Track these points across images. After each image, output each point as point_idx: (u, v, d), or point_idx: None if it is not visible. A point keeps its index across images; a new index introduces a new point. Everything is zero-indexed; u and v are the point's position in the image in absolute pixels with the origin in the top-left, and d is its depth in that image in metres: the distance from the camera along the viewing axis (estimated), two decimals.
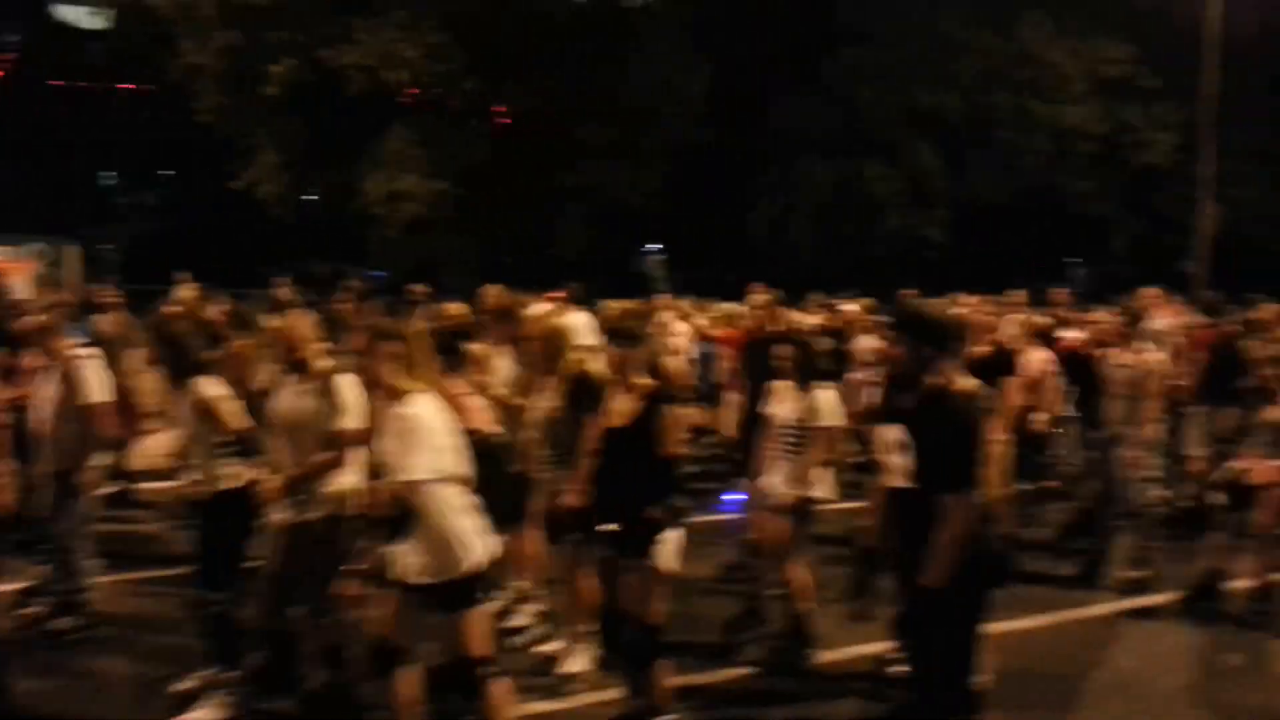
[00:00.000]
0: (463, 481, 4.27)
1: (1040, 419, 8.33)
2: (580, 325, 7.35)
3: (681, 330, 11.93)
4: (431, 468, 4.13)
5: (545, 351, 6.00)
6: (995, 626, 5.13)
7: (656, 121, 26.36)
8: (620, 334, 5.19)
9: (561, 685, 5.47)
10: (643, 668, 4.86)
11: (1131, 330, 8.08)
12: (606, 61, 25.99)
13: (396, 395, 4.21)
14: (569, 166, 25.97)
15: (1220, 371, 8.87)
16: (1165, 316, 10.60)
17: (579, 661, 5.61)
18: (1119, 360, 7.65)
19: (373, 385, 4.46)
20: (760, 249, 27.74)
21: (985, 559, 4.08)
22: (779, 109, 27.45)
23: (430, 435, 4.15)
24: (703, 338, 12.24)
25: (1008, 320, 9.17)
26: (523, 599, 6.28)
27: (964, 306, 10.87)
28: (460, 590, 4.26)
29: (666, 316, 12.04)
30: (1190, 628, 6.68)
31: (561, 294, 10.43)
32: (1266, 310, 10.15)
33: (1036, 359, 8.49)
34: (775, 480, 5.97)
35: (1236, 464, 6.90)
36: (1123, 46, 30.47)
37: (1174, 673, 6.00)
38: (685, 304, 13.45)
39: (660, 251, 31.35)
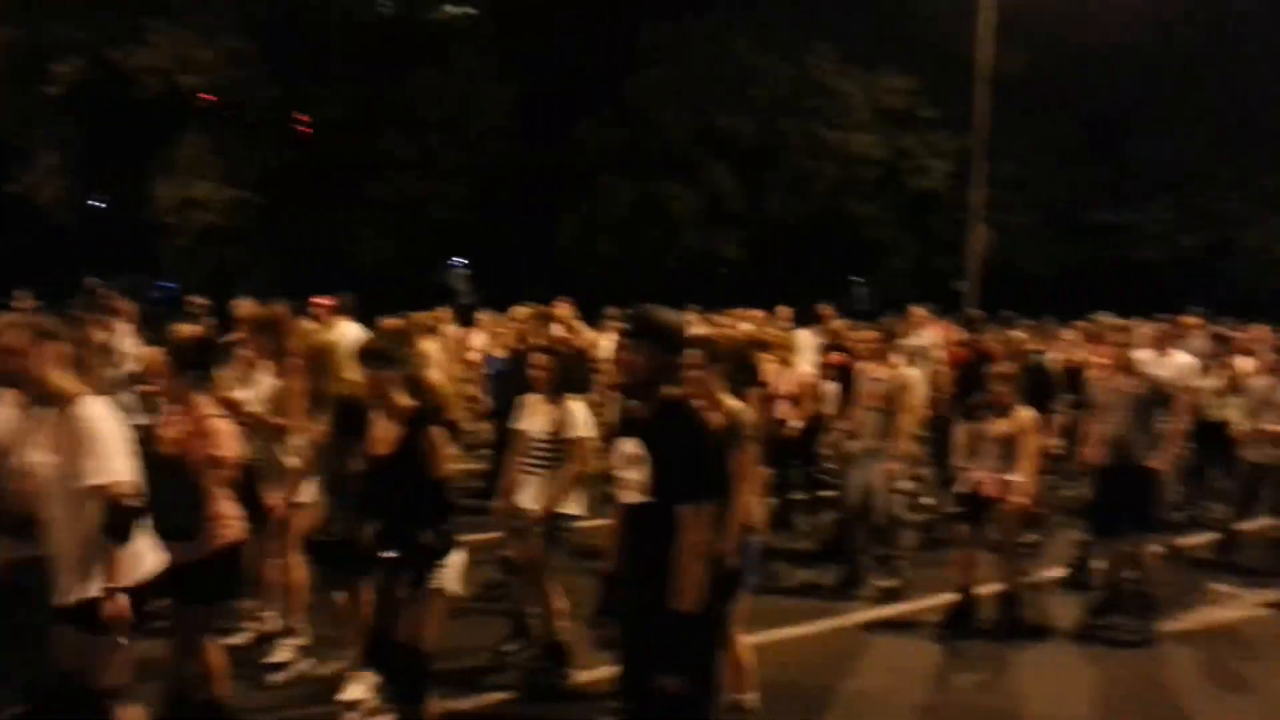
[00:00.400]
0: (133, 492, 3.95)
1: (793, 430, 8.59)
2: (353, 340, 6.86)
3: (478, 345, 11.81)
4: (105, 473, 3.85)
5: (310, 369, 5.73)
6: (756, 638, 5.47)
7: (461, 135, 26.52)
8: (374, 355, 4.89)
9: (340, 713, 5.28)
10: (414, 697, 4.68)
11: (888, 346, 8.34)
12: (411, 73, 25.99)
13: (65, 398, 3.89)
14: (372, 177, 25.82)
15: (977, 385, 9.42)
16: (930, 333, 11.50)
17: (356, 689, 5.37)
18: (874, 374, 7.77)
19: (34, 388, 3.99)
20: (565, 264, 28.19)
21: (722, 575, 3.98)
22: (583, 126, 27.97)
23: (105, 440, 3.88)
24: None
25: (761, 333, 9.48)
26: (282, 631, 5.97)
27: (749, 321, 11.46)
28: (97, 609, 3.87)
29: (453, 331, 11.90)
30: (940, 637, 6.79)
31: (327, 302, 9.92)
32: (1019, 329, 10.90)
33: (800, 372, 8.92)
34: (526, 497, 5.86)
35: (971, 477, 6.97)
36: (903, 78, 32.49)
37: (923, 683, 6.10)
38: (487, 317, 13.23)
39: (465, 265, 31.42)
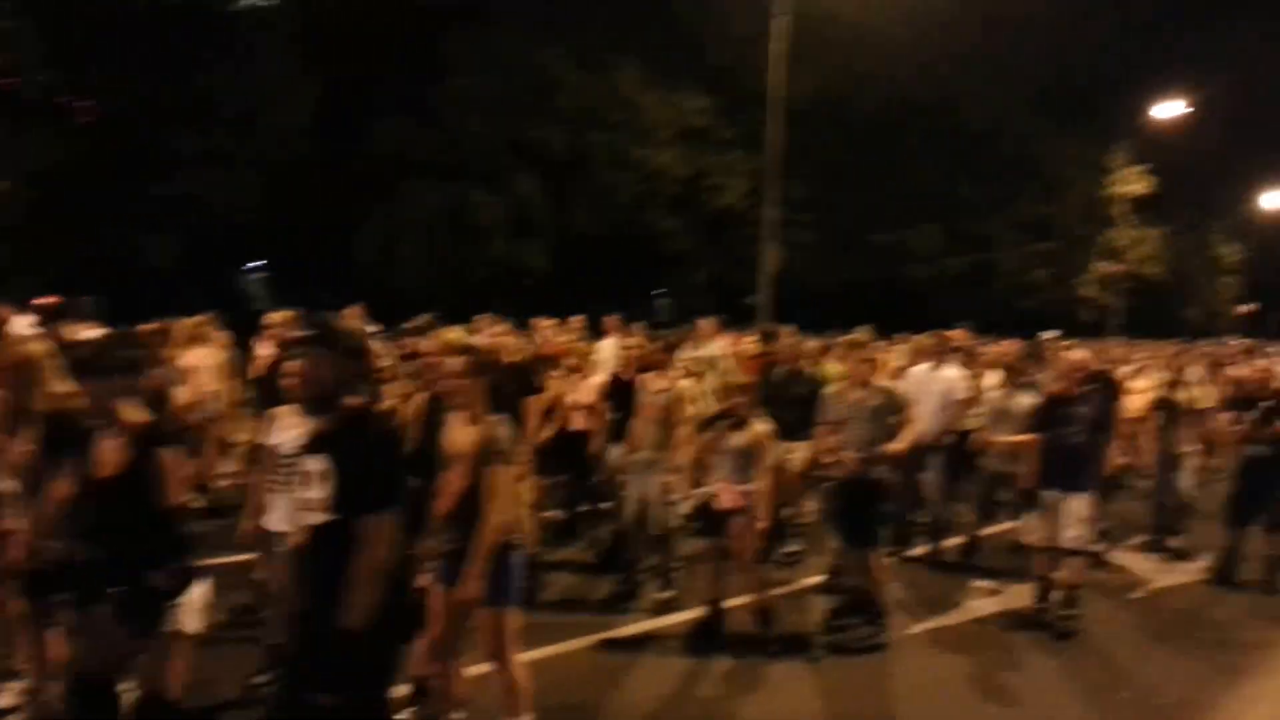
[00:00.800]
0: None
1: (597, 444, 8.48)
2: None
3: (264, 354, 10.98)
4: None
5: (16, 383, 5.01)
6: (533, 655, 5.47)
7: (258, 132, 25.39)
8: (90, 365, 4.28)
9: None
10: None
11: (668, 357, 8.42)
12: (204, 65, 24.68)
13: None
14: (160, 174, 24.35)
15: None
16: (719, 344, 11.83)
17: None
18: (654, 386, 7.76)
19: None
20: (367, 271, 27.48)
21: (401, 603, 3.86)
22: (387, 131, 27.37)
23: None
24: None
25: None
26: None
27: (547, 330, 11.40)
28: None
29: (220, 338, 10.58)
30: (704, 648, 6.69)
31: (50, 301, 8.97)
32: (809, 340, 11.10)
33: (592, 383, 8.85)
34: (276, 518, 5.13)
35: (707, 488, 6.85)
36: (702, 98, 33.59)
37: (690, 694, 6.08)
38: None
39: (263, 269, 30.12)
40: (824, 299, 33.73)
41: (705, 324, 12.15)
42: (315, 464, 3.78)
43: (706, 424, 7.16)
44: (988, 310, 38.23)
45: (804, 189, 35.03)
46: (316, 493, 3.75)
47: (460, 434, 4.70)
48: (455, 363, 4.71)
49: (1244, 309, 58.39)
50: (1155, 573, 9.13)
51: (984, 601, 8.00)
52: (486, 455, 4.59)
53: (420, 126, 27.43)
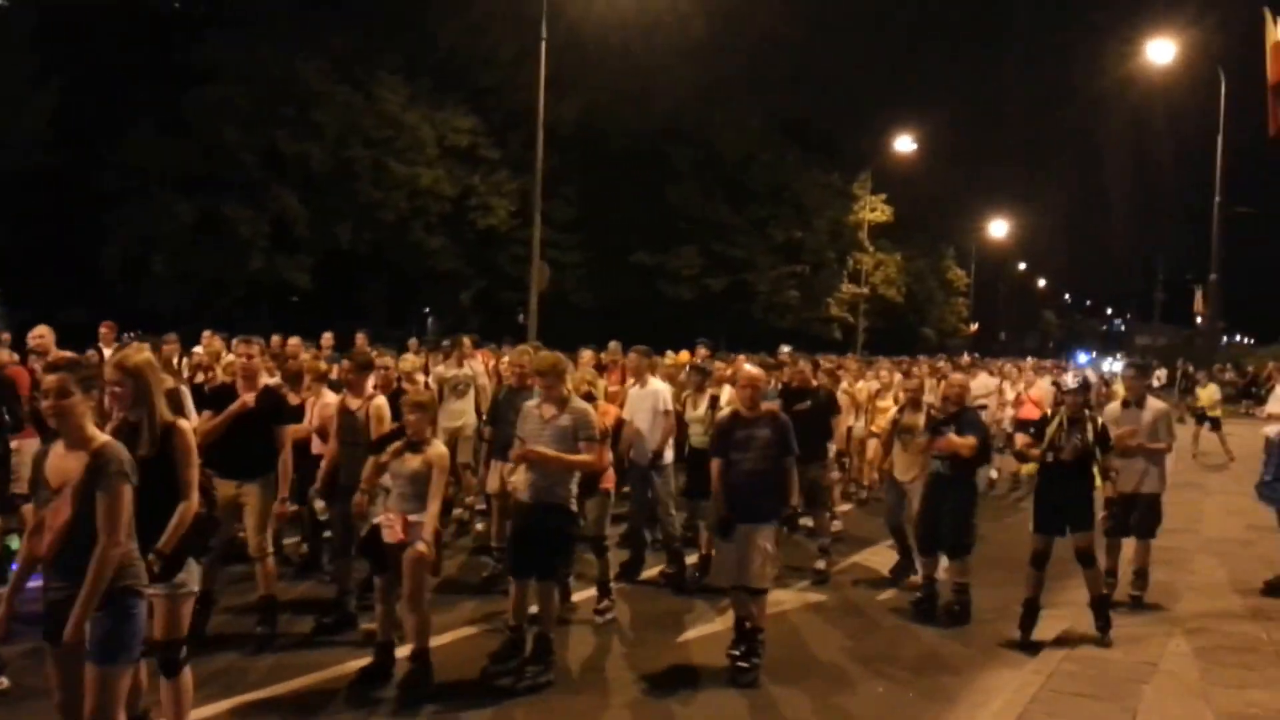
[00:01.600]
0: None
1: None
2: None
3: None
4: None
5: None
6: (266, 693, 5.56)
7: None
8: None
9: None
10: None
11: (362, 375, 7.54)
12: None
13: None
14: None
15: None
16: (478, 361, 12.02)
17: None
18: (352, 404, 7.14)
19: None
20: (115, 287, 26.08)
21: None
22: (136, 142, 26.07)
23: None
24: None
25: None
26: None
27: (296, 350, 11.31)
28: None
29: None
30: (366, 698, 5.90)
31: None
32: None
33: (327, 401, 8.19)
34: None
35: (379, 518, 6.16)
36: (468, 118, 33.85)
37: None
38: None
39: None
40: (590, 316, 34.67)
41: (466, 341, 12.40)
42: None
43: (376, 445, 6.54)
44: (746, 329, 40.41)
45: (570, 210, 35.98)
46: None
47: (62, 460, 3.97)
48: (51, 380, 3.99)
49: (972, 328, 63.87)
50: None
51: (708, 627, 7.44)
52: (98, 478, 3.86)
53: (172, 136, 26.30)
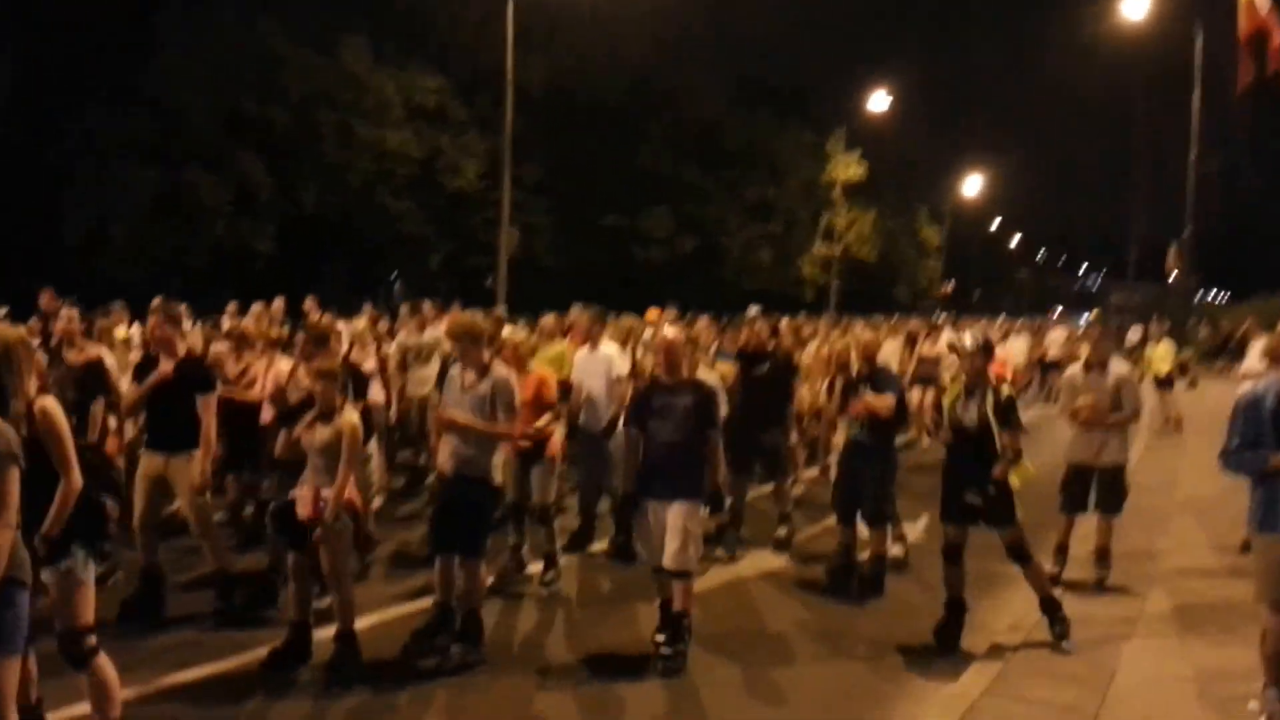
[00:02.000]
0: None
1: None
2: None
3: None
4: None
5: None
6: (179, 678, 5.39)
7: None
8: None
9: None
10: None
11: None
12: None
13: None
14: None
15: None
16: (440, 329, 11.88)
17: None
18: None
19: None
20: (76, 259, 25.46)
21: None
22: (94, 111, 25.33)
23: None
24: None
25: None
26: None
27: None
28: None
29: None
30: (278, 682, 5.63)
31: None
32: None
33: (280, 369, 8.09)
34: None
35: (295, 492, 5.86)
36: (435, 78, 33.20)
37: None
38: None
39: None
40: (560, 280, 34.29)
41: (428, 307, 12.11)
42: None
43: (286, 417, 6.39)
44: (718, 291, 40.15)
45: (539, 172, 35.44)
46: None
47: None
48: None
49: (945, 288, 63.84)
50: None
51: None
52: None
53: (131, 103, 25.61)
